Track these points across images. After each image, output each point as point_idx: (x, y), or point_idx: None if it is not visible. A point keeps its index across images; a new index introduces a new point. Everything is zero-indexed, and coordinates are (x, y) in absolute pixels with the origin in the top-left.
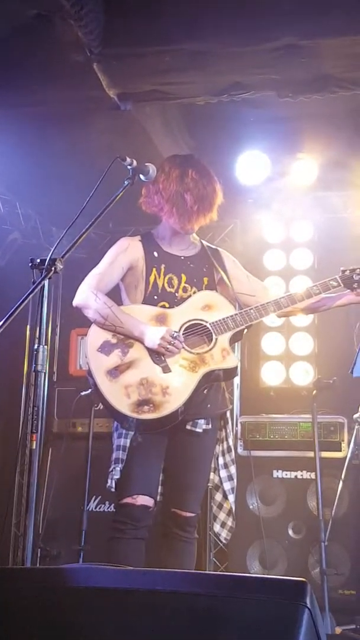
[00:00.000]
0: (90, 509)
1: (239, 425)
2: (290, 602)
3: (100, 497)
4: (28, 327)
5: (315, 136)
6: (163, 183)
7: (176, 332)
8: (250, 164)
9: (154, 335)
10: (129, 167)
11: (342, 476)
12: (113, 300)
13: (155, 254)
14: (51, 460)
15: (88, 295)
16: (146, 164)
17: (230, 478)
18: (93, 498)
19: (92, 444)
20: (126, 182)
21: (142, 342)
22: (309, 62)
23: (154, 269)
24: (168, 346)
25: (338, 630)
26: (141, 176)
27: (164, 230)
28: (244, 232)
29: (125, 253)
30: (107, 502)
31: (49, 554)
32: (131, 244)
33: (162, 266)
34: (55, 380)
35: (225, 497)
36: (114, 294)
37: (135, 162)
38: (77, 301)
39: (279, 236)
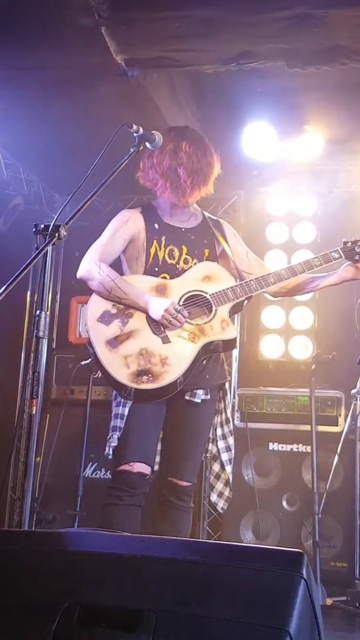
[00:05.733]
0: (86, 475)
1: (236, 397)
2: (287, 573)
3: (96, 463)
4: (28, 293)
5: (322, 110)
6: (157, 157)
7: (180, 306)
8: (256, 135)
9: (158, 307)
10: (135, 134)
11: (338, 450)
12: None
13: (156, 225)
14: (48, 427)
15: (92, 267)
16: (152, 131)
17: (228, 449)
18: (89, 464)
19: (89, 411)
20: (132, 150)
21: (146, 313)
22: (320, 32)
23: (155, 241)
24: (171, 319)
25: (329, 601)
26: (147, 144)
27: (164, 202)
28: (247, 204)
29: (126, 225)
30: (103, 469)
31: (45, 518)
32: (132, 216)
33: (163, 238)
34: (54, 347)
35: (222, 467)
36: (116, 266)
37: (141, 130)
38: (80, 273)
39: (283, 209)
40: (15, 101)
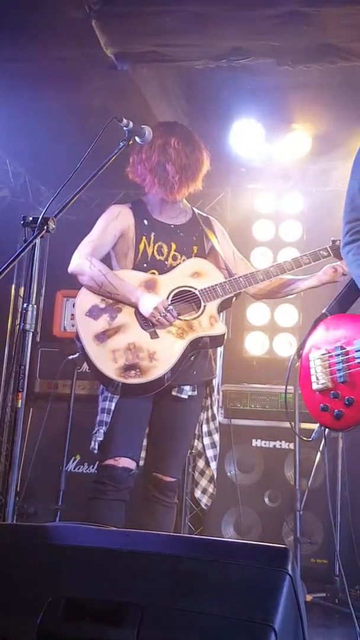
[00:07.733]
0: (69, 470)
1: (220, 393)
2: (272, 568)
3: (79, 458)
4: (13, 285)
5: (311, 108)
6: (146, 153)
7: (170, 305)
8: (244, 132)
9: (148, 303)
10: (125, 128)
11: (320, 448)
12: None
13: (145, 222)
14: (32, 420)
15: (83, 262)
16: (142, 125)
17: (213, 445)
18: (72, 459)
19: (73, 405)
20: (121, 144)
21: (136, 308)
22: (310, 30)
23: (144, 237)
24: (160, 317)
25: (309, 598)
26: (137, 138)
27: (154, 198)
28: (234, 201)
29: (116, 220)
30: (85, 464)
31: (26, 512)
32: (122, 211)
33: (152, 234)
34: (38, 340)
35: (207, 464)
36: (105, 261)
37: (131, 124)
38: (72, 268)
39: (269, 207)
40: (3, 92)
